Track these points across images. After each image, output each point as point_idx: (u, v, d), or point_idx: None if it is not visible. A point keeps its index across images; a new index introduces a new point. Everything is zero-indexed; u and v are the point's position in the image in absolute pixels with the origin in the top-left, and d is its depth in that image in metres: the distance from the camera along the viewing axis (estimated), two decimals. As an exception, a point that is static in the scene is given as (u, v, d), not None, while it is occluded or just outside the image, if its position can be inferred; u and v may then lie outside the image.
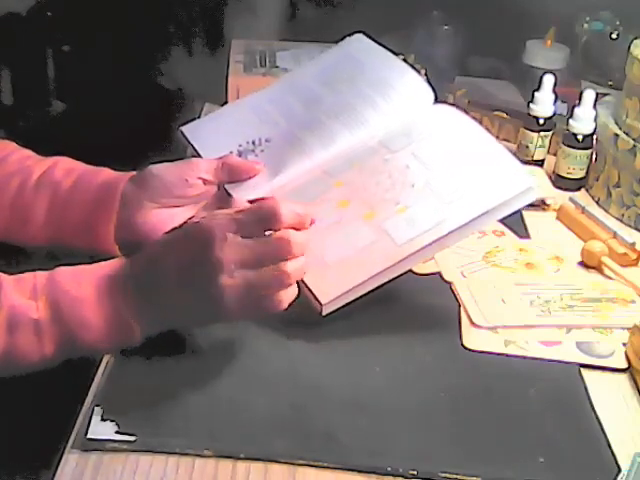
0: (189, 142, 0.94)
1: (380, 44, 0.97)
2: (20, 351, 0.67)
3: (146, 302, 0.69)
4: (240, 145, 0.91)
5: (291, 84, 0.98)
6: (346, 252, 0.79)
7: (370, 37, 0.98)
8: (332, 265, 0.78)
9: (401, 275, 0.78)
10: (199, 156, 0.92)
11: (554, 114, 1.17)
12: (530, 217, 1.05)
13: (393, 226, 0.79)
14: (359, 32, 1.00)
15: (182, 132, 0.96)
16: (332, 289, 0.77)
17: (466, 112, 0.89)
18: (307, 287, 0.77)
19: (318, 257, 0.79)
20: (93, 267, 0.71)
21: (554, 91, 1.16)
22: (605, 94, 1.22)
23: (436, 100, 0.91)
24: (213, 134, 0.94)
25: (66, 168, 0.86)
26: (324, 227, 0.81)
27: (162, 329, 0.71)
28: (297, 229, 0.71)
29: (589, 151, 1.13)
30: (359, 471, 0.65)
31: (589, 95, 1.11)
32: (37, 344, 0.67)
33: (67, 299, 0.68)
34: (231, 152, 0.90)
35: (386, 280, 0.77)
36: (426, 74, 0.93)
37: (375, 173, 0.85)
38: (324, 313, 0.76)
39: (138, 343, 0.70)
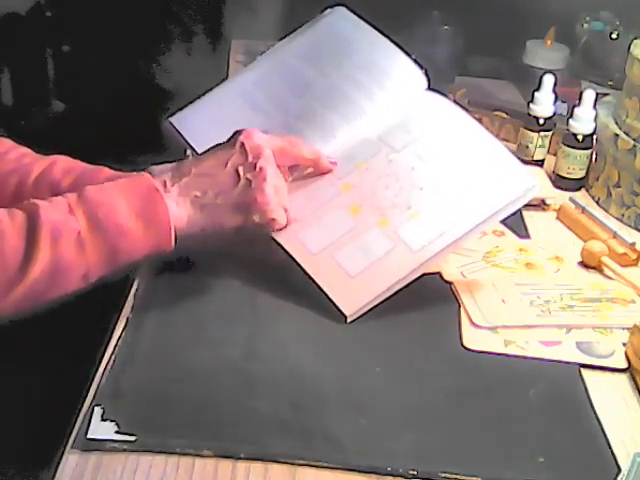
0: (180, 135, 0.93)
1: (362, 19, 0.95)
2: (66, 263, 0.69)
3: (175, 199, 0.74)
4: None
5: (276, 65, 0.96)
6: (365, 262, 0.81)
7: (352, 10, 0.97)
8: (354, 277, 0.81)
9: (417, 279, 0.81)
10: (194, 152, 0.91)
11: (554, 114, 1.17)
12: (530, 217, 1.05)
13: (407, 232, 0.82)
14: (341, 4, 0.98)
15: (171, 123, 0.94)
16: (355, 301, 0.80)
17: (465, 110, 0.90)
18: (329, 299, 0.79)
19: (340, 270, 0.81)
20: (119, 180, 0.74)
21: (554, 91, 1.16)
22: (605, 94, 1.22)
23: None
24: (205, 126, 0.93)
25: (65, 167, 0.86)
26: (340, 236, 0.82)
27: (193, 231, 0.75)
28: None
29: (589, 151, 1.13)
30: (359, 471, 0.65)
31: (589, 95, 1.11)
32: (81, 255, 0.69)
33: (102, 210, 0.70)
34: None
35: (403, 285, 0.80)
36: (426, 74, 0.93)
37: (382, 175, 0.85)
38: (348, 321, 0.80)
39: (172, 248, 0.73)
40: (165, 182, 0.75)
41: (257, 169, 0.77)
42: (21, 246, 0.67)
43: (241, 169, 0.77)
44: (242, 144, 0.78)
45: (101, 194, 0.72)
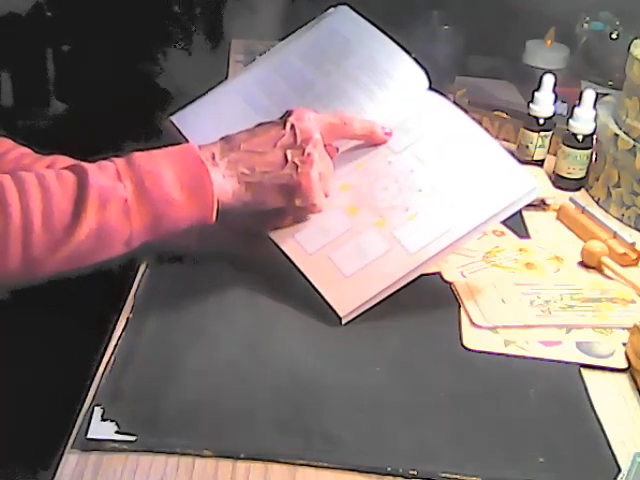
0: (181, 133, 0.93)
1: (366, 18, 0.95)
2: (111, 229, 0.70)
3: (222, 172, 0.75)
4: None
5: (277, 64, 0.96)
6: (361, 263, 0.81)
7: (355, 10, 0.96)
8: (349, 278, 0.80)
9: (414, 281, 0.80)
10: None
11: (554, 114, 1.17)
12: (530, 217, 1.05)
13: (404, 234, 0.81)
14: (343, 4, 0.98)
15: (172, 122, 0.94)
16: (349, 302, 0.80)
17: (465, 111, 0.90)
18: (324, 299, 0.79)
19: (335, 270, 0.81)
20: (166, 149, 0.75)
21: (554, 91, 1.16)
22: (605, 94, 1.22)
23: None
24: (206, 125, 0.92)
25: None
26: (337, 236, 0.82)
27: (236, 205, 0.76)
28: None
29: (589, 151, 1.13)
30: (359, 471, 0.65)
31: (589, 95, 1.11)
32: (126, 222, 0.70)
33: (149, 178, 0.71)
34: None
35: (400, 287, 0.80)
36: (426, 74, 0.92)
37: (380, 177, 0.85)
38: (343, 323, 0.80)
39: (214, 221, 0.74)
40: (214, 155, 0.76)
41: (305, 154, 0.78)
42: (69, 209, 0.69)
43: (289, 152, 0.78)
44: (292, 125, 0.79)
45: (149, 162, 0.73)
